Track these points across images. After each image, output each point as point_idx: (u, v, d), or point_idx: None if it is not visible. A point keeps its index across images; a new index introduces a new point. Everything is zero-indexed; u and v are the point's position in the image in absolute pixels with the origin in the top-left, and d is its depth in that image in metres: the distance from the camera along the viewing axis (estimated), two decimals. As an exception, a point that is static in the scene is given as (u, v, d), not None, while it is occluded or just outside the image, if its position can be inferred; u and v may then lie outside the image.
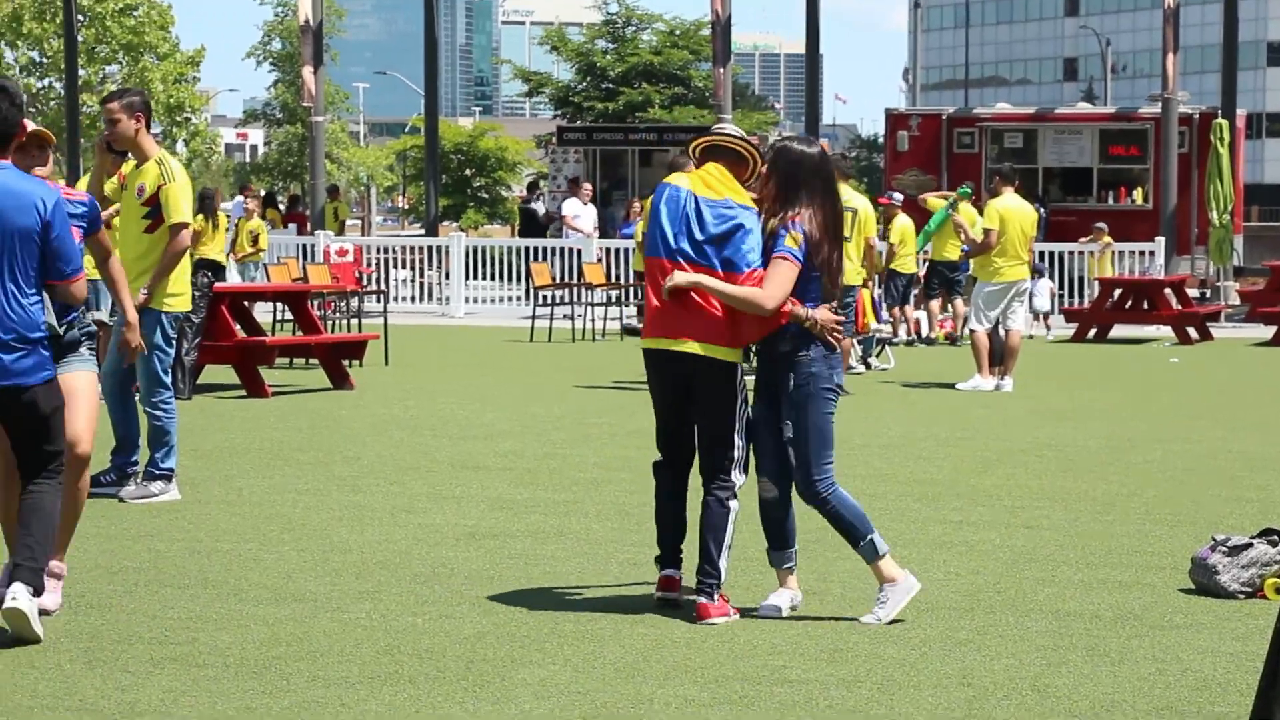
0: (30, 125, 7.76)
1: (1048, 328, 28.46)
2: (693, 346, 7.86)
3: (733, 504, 7.94)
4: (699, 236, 7.86)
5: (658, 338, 7.97)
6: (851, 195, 18.53)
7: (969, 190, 24.78)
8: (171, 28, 61.19)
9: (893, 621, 7.77)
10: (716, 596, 7.84)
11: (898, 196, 26.12)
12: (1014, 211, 18.63)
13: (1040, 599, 8.39)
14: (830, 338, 7.82)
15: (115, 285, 8.94)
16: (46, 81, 61.09)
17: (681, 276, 7.82)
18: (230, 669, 6.94)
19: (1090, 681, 6.92)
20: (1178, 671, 7.04)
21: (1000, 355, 18.77)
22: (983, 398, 17.98)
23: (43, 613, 7.54)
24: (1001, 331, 18.74)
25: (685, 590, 8.05)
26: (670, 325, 7.91)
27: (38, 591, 7.26)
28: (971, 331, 18.80)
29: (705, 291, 7.82)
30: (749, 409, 7.97)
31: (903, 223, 25.32)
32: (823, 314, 7.80)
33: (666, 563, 8.13)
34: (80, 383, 7.80)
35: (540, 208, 37.45)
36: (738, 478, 7.95)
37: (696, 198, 7.88)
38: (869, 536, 7.89)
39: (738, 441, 7.93)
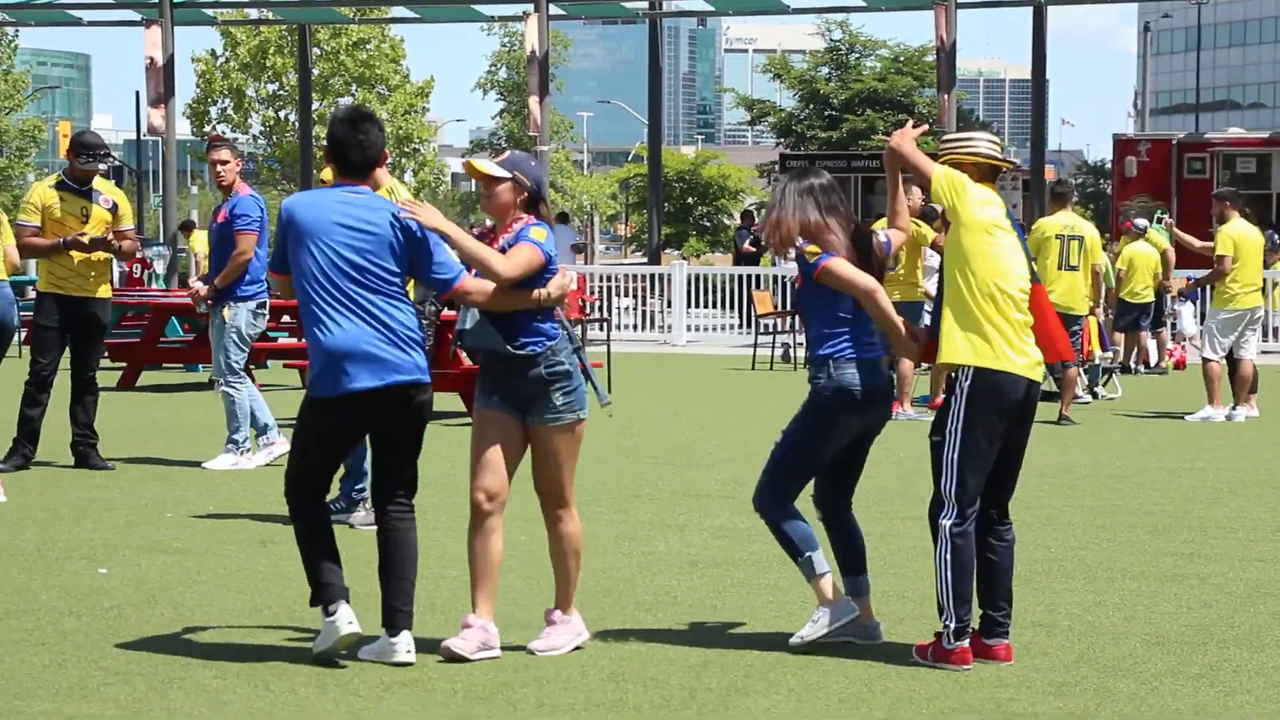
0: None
1: (1184, 351, 26.95)
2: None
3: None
4: None
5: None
6: (1078, 222, 18.30)
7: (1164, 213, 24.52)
8: (403, 60, 62.40)
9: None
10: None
11: (1142, 223, 25.66)
12: (1248, 236, 18.23)
13: (1276, 634, 8.20)
14: None
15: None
16: (284, 113, 62.53)
17: None
18: (458, 694, 7.03)
19: (1328, 721, 6.75)
20: None
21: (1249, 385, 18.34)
22: (1214, 428, 17.62)
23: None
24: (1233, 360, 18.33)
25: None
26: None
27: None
28: (1205, 360, 18.33)
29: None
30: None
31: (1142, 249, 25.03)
32: None
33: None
34: (553, 438, 7.83)
35: (741, 240, 37.41)
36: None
37: None
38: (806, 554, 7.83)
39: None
